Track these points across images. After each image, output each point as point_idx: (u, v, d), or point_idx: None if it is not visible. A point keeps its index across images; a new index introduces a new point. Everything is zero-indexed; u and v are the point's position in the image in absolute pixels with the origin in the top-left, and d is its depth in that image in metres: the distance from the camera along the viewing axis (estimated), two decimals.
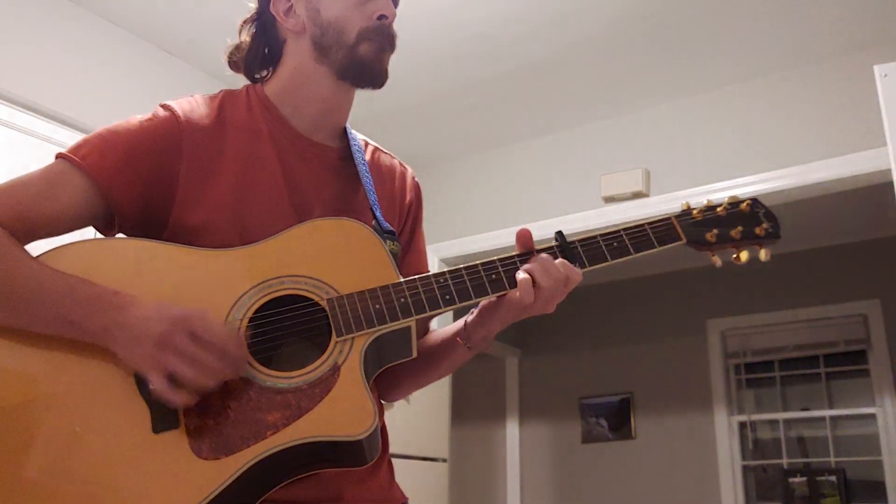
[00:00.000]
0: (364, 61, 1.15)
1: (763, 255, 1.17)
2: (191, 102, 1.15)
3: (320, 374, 0.96)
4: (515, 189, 4.02)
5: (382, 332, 1.01)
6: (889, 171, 2.56)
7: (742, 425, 5.16)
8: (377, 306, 1.01)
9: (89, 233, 1.08)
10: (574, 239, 1.10)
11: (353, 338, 0.99)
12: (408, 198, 1.27)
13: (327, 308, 1.00)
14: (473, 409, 5.73)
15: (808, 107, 3.41)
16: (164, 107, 1.12)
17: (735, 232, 1.15)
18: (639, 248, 1.11)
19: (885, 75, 2.46)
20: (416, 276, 1.05)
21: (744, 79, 3.58)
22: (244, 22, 1.26)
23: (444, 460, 3.86)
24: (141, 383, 0.93)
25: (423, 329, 1.23)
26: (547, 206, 3.86)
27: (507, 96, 3.76)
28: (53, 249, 0.99)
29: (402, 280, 1.05)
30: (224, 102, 1.16)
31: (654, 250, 1.12)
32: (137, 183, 1.04)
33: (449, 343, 1.17)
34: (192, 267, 1.01)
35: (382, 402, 1.24)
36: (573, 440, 5.62)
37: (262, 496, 0.94)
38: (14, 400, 0.91)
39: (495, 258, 1.08)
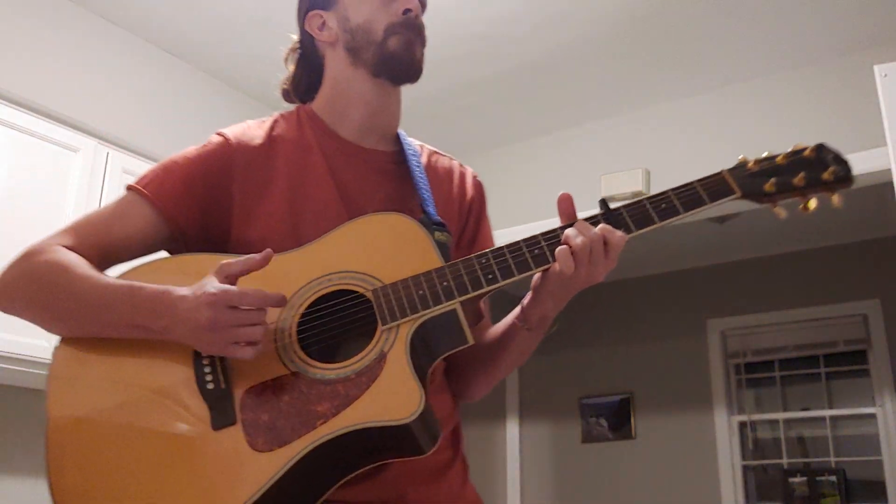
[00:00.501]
0: (394, 55, 1.18)
1: (835, 200, 1.05)
2: (242, 127, 1.22)
3: (367, 363, 0.98)
4: (515, 189, 4.02)
5: (427, 318, 1.01)
6: (889, 171, 2.56)
7: (742, 425, 5.16)
8: (420, 292, 1.02)
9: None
10: (619, 205, 1.07)
11: (398, 325, 1.01)
12: (469, 195, 1.28)
13: (372, 298, 1.03)
14: (473, 409, 5.73)
15: (808, 107, 3.41)
16: (217, 133, 1.19)
17: (798, 179, 1.05)
18: (689, 207, 1.05)
19: (885, 75, 2.46)
20: (459, 259, 1.05)
21: (744, 79, 3.58)
22: (288, 51, 1.32)
23: None
24: (200, 382, 0.99)
25: (476, 316, 1.23)
26: (547, 206, 3.84)
27: (507, 96, 3.76)
28: (130, 269, 1.10)
29: (445, 265, 1.05)
30: (275, 124, 1.23)
31: (706, 207, 1.05)
32: (195, 206, 1.13)
33: (510, 328, 1.17)
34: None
35: (464, 401, 1.25)
36: (573, 440, 5.62)
37: (323, 493, 0.96)
38: (89, 408, 0.99)
39: (538, 233, 1.06)
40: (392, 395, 0.95)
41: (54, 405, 1.00)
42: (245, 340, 0.95)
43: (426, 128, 4.05)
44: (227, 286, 0.96)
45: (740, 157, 1.09)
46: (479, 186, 1.32)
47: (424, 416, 0.95)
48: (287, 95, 1.33)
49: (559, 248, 1.02)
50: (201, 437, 0.96)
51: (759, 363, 5.30)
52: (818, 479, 4.83)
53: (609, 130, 3.91)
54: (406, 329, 1.00)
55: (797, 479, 4.90)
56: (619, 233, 1.03)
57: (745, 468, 5.06)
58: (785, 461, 5.02)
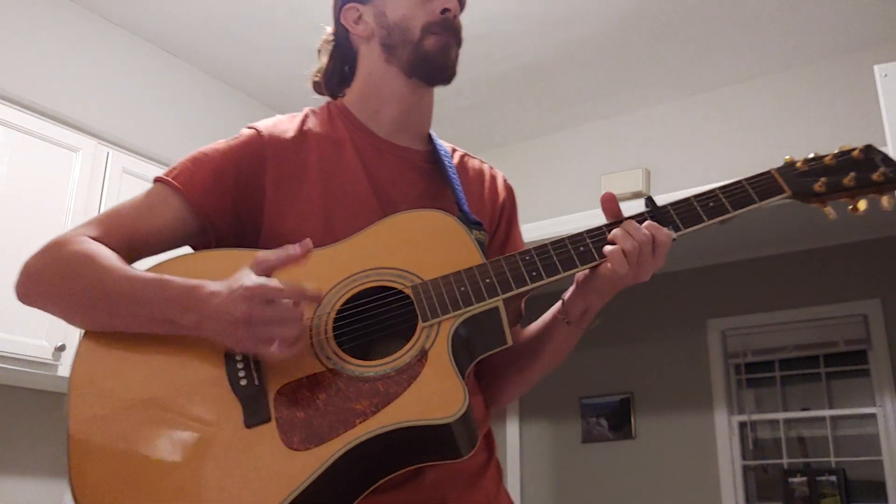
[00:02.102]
0: (430, 55, 1.16)
1: (885, 202, 1.03)
2: (273, 120, 1.19)
3: (408, 360, 0.95)
4: (515, 189, 4.02)
5: (470, 314, 0.98)
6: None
7: (742, 425, 5.16)
8: (462, 288, 1.00)
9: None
10: (666, 203, 1.05)
11: (439, 322, 0.98)
12: (500, 198, 1.27)
13: (412, 295, 1.00)
14: None
15: (808, 107, 3.41)
16: (248, 126, 1.17)
17: (848, 179, 1.03)
18: (738, 205, 1.03)
19: (885, 75, 2.46)
20: (502, 256, 1.03)
21: (744, 79, 3.58)
22: (322, 43, 1.29)
23: None
24: (232, 378, 0.95)
25: (516, 315, 1.21)
26: (547, 206, 3.86)
27: (507, 96, 3.77)
28: (158, 263, 1.05)
29: (487, 261, 1.03)
30: (306, 118, 1.21)
31: (755, 206, 1.03)
32: (226, 198, 1.10)
33: (549, 323, 1.15)
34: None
35: (495, 408, 1.23)
36: (573, 440, 5.62)
37: (361, 493, 0.93)
38: (116, 405, 0.95)
39: (583, 230, 1.04)
40: (435, 393, 0.92)
41: (75, 402, 0.96)
42: (280, 338, 0.92)
43: None
44: (265, 280, 0.93)
45: (787, 158, 1.08)
46: (510, 190, 1.32)
47: (467, 416, 0.92)
48: (318, 87, 1.30)
49: (611, 248, 1.01)
50: (233, 436, 0.92)
51: (759, 363, 5.30)
52: (818, 479, 4.83)
53: (609, 130, 3.91)
54: (448, 326, 0.97)
55: (797, 479, 4.90)
56: (665, 230, 1.02)
57: (745, 468, 5.06)
58: (785, 461, 5.01)
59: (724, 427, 5.11)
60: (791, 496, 4.88)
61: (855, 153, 1.05)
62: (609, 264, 1.00)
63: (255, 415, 0.93)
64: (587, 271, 1.05)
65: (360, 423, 0.91)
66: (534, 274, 1.01)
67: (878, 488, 4.64)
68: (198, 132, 3.33)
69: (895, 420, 4.66)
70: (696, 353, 5.35)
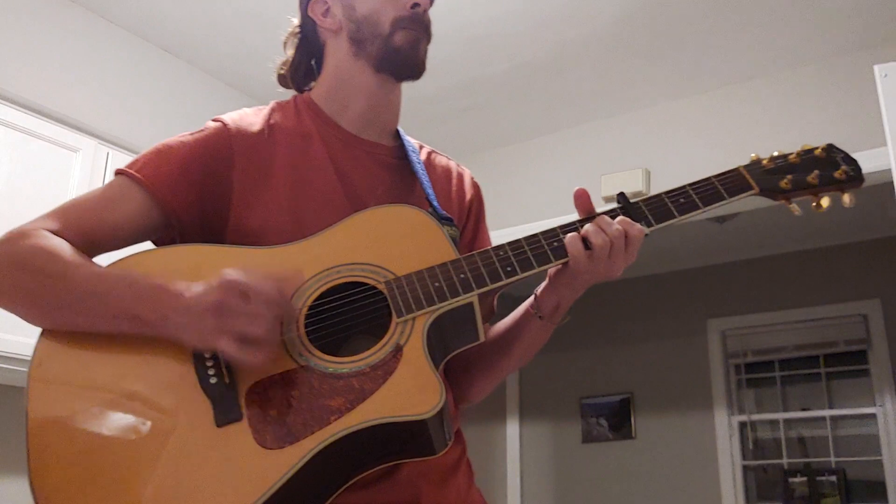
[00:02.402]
0: (399, 51, 1.15)
1: (847, 199, 1.06)
2: (240, 113, 1.18)
3: (382, 356, 0.94)
4: (515, 189, 4.02)
5: (444, 310, 0.98)
6: (889, 171, 2.56)
7: (742, 425, 5.16)
8: (436, 284, 0.99)
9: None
10: (638, 200, 1.06)
11: (413, 317, 0.97)
12: (468, 196, 1.26)
13: (385, 290, 0.99)
14: (473, 409, 5.71)
15: (809, 107, 3.41)
16: (214, 119, 1.15)
17: (812, 177, 1.07)
18: (708, 202, 1.05)
19: (885, 75, 2.46)
20: (475, 252, 1.03)
21: (744, 79, 3.58)
22: (288, 36, 1.28)
23: None
24: (201, 377, 0.93)
25: (489, 311, 1.19)
26: (547, 206, 3.85)
27: (507, 96, 3.76)
28: (118, 260, 1.02)
29: (461, 257, 1.02)
30: (272, 111, 1.19)
31: (725, 202, 1.06)
32: (192, 191, 1.07)
33: (521, 318, 1.14)
34: (249, 265, 1.01)
35: (465, 405, 1.22)
36: (573, 440, 5.62)
37: (335, 491, 0.92)
38: (77, 405, 0.93)
39: (556, 226, 1.04)
40: (411, 389, 0.91)
41: (36, 403, 0.93)
42: (244, 334, 0.89)
43: (426, 128, 4.05)
44: (245, 276, 0.91)
45: (753, 155, 1.10)
46: (477, 188, 1.30)
47: (443, 411, 0.91)
48: (283, 81, 1.28)
49: (568, 237, 1.01)
50: (204, 436, 0.90)
51: (759, 363, 5.30)
52: (818, 479, 4.83)
53: (609, 130, 3.91)
54: (422, 322, 0.97)
55: (797, 479, 4.90)
56: (638, 226, 1.02)
57: (745, 468, 5.06)
58: (785, 461, 5.02)
59: (724, 427, 5.11)
60: (791, 496, 4.88)
61: (817, 151, 1.09)
62: (572, 257, 1.01)
63: (226, 413, 0.91)
64: (560, 267, 1.05)
65: (336, 420, 0.89)
66: (508, 269, 1.01)
67: (878, 488, 4.64)
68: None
69: (895, 420, 4.66)
70: (696, 353, 5.35)
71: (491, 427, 5.79)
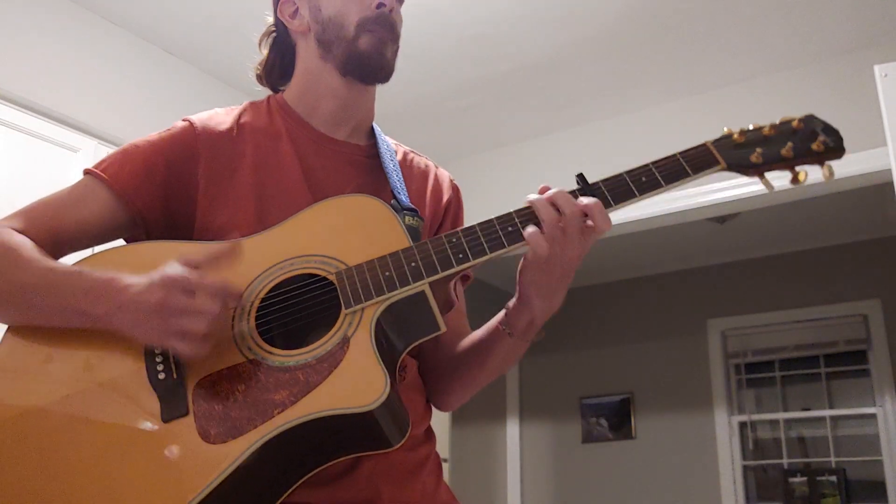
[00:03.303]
0: (363, 54, 1.13)
1: (826, 173, 0.99)
2: (210, 113, 1.18)
3: (329, 349, 0.93)
4: (515, 189, 4.02)
5: (394, 300, 0.95)
6: (889, 171, 2.56)
7: (742, 425, 5.16)
8: (386, 273, 0.96)
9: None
10: (598, 180, 1.01)
11: (362, 308, 0.95)
12: (445, 197, 1.24)
13: (335, 281, 0.98)
14: (474, 409, 5.73)
15: (808, 107, 3.38)
16: (183, 119, 1.15)
17: (786, 150, 0.99)
18: (671, 179, 1.00)
19: (885, 75, 2.46)
20: (428, 240, 1.00)
21: (744, 79, 3.58)
22: (262, 36, 1.27)
23: (445, 460, 3.86)
24: (151, 372, 0.93)
25: (447, 304, 1.17)
26: None
27: (507, 96, 3.76)
28: (82, 259, 1.04)
29: (413, 245, 0.99)
30: (244, 111, 1.19)
31: (689, 179, 1.00)
32: (155, 190, 1.07)
33: (493, 334, 1.10)
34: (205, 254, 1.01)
35: (444, 410, 1.20)
36: (573, 440, 5.62)
37: (289, 487, 0.91)
38: (32, 402, 0.94)
39: (512, 210, 1.00)
40: (355, 381, 0.89)
41: None
42: (189, 331, 0.89)
43: (426, 128, 4.05)
44: (187, 271, 0.90)
45: (725, 129, 1.03)
46: (456, 189, 1.29)
47: (390, 403, 0.89)
48: (260, 80, 1.28)
49: (528, 227, 0.97)
50: (151, 430, 0.90)
51: (759, 363, 5.30)
52: (818, 479, 4.83)
53: (609, 130, 3.92)
54: (371, 312, 0.94)
55: (797, 479, 4.90)
56: (599, 203, 0.96)
57: (745, 468, 5.07)
58: (785, 461, 5.02)
59: (724, 427, 5.12)
60: (791, 496, 4.88)
61: (794, 123, 1.03)
62: (528, 244, 0.96)
63: (172, 408, 0.91)
64: (521, 266, 1.02)
65: (279, 413, 0.88)
66: (460, 256, 0.97)
67: (878, 488, 4.64)
68: None
69: (895, 420, 4.66)
70: (696, 353, 5.35)
71: (491, 427, 5.79)
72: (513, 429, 5.75)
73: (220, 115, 1.17)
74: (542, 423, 5.75)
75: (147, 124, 3.27)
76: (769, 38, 3.30)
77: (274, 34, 1.26)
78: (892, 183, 2.58)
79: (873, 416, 4.79)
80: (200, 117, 1.15)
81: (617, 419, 5.50)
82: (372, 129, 1.24)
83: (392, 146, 1.24)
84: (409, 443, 1.03)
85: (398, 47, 1.17)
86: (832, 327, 5.06)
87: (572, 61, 3.48)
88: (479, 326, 1.16)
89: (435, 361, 1.17)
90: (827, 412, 4.99)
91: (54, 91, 2.96)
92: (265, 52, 1.27)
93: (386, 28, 1.14)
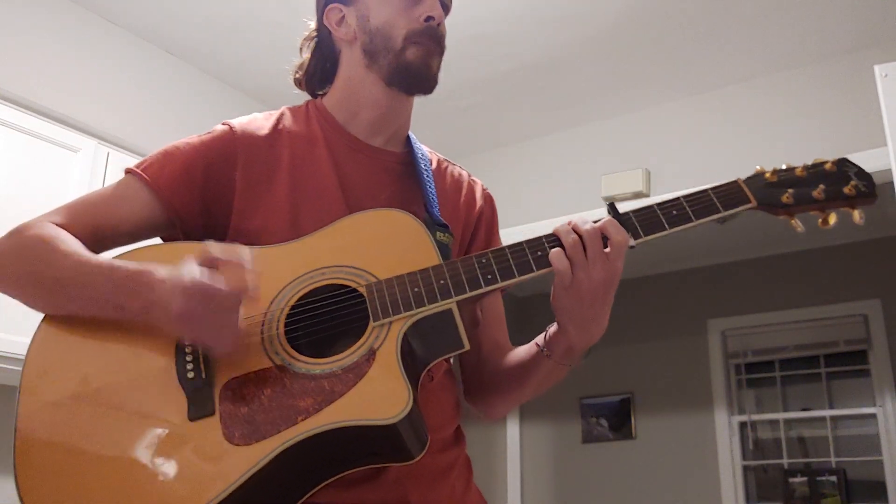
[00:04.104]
0: (411, 66, 1.15)
1: (857, 216, 1.01)
2: (249, 117, 1.19)
3: (355, 359, 0.94)
4: (515, 189, 4.02)
5: (421, 316, 0.97)
6: (889, 171, 2.56)
7: (742, 425, 5.16)
8: (415, 289, 0.98)
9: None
10: (628, 211, 1.02)
11: (390, 322, 0.97)
12: (478, 206, 1.26)
13: (365, 293, 0.99)
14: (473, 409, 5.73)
15: (809, 107, 3.41)
16: (223, 123, 1.17)
17: (818, 192, 1.00)
18: (701, 214, 1.01)
19: (885, 75, 2.46)
20: (458, 259, 1.02)
21: (744, 79, 3.58)
22: (304, 40, 1.28)
23: None
24: (180, 371, 0.95)
25: (473, 322, 1.19)
26: (547, 206, 3.86)
27: (507, 96, 3.76)
28: (119, 255, 1.06)
29: (443, 262, 1.01)
30: (282, 116, 1.21)
31: (719, 216, 1.01)
32: (194, 193, 1.10)
33: (533, 355, 1.12)
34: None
35: (487, 419, 1.23)
36: (573, 440, 5.62)
37: (304, 494, 0.92)
38: (63, 391, 0.96)
39: (542, 235, 1.02)
40: (379, 393, 0.91)
41: (27, 388, 0.97)
42: (227, 327, 0.92)
43: (426, 128, 4.04)
44: (204, 280, 0.91)
45: (757, 167, 1.05)
46: (489, 198, 1.30)
47: (411, 418, 0.90)
48: (298, 84, 1.29)
49: (552, 250, 0.99)
50: (177, 428, 0.92)
51: (759, 363, 5.30)
52: (818, 479, 4.83)
53: (609, 130, 3.91)
54: (398, 327, 0.96)
55: (797, 479, 4.90)
56: (622, 230, 0.98)
57: (745, 468, 5.06)
58: (785, 461, 5.01)
59: (724, 427, 5.11)
60: (791, 496, 4.88)
61: (827, 165, 1.03)
62: (553, 266, 0.98)
63: (199, 408, 0.93)
64: (552, 292, 1.02)
65: (302, 420, 0.90)
66: (489, 277, 0.99)
67: (878, 488, 4.64)
68: (197, 132, 3.32)
69: (895, 420, 4.66)
70: (696, 353, 5.35)
71: (491, 427, 5.79)
72: (513, 429, 5.75)
73: (258, 120, 1.19)
74: (542, 423, 5.75)
75: (147, 124, 3.27)
76: (769, 38, 3.30)
77: (316, 39, 1.26)
78: (892, 183, 2.57)
79: (873, 416, 4.79)
80: (240, 121, 1.17)
81: (617, 419, 5.50)
82: (408, 137, 1.26)
83: (427, 154, 1.25)
84: (438, 445, 1.07)
85: (442, 59, 1.19)
86: (832, 327, 5.05)
87: (572, 61, 3.48)
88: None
89: (480, 375, 1.19)
90: (827, 412, 4.99)
91: (54, 91, 2.96)
92: (306, 56, 1.28)
93: (433, 41, 1.16)
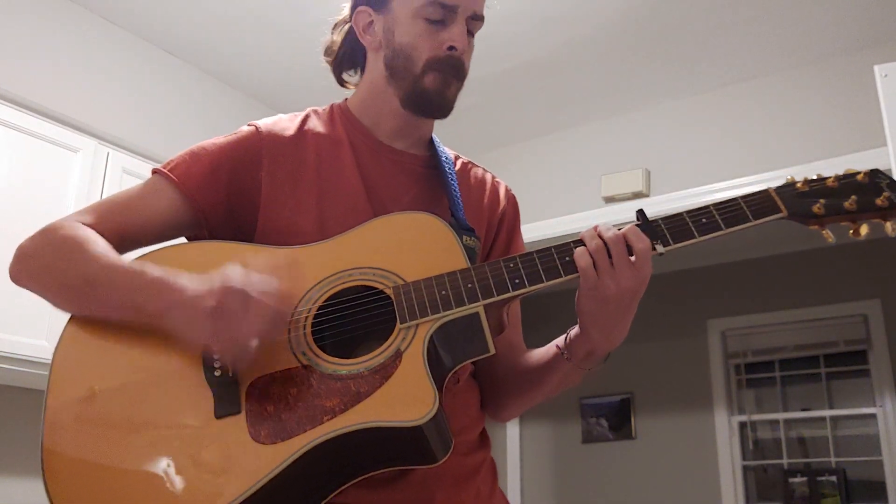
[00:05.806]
0: (426, 93, 1.15)
1: (889, 228, 1.01)
2: (275, 119, 1.20)
3: (382, 361, 0.95)
4: (515, 189, 4.01)
5: (448, 319, 0.97)
6: (889, 171, 2.56)
7: (742, 425, 5.16)
8: (443, 292, 0.99)
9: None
10: (658, 218, 1.01)
11: (416, 324, 0.97)
12: (500, 207, 1.26)
13: (392, 295, 1.00)
14: None
15: (809, 107, 3.41)
16: (249, 123, 1.18)
17: (849, 203, 1.01)
18: (731, 223, 1.02)
19: (885, 75, 2.46)
20: (486, 262, 1.02)
21: (744, 79, 3.58)
22: (337, 23, 1.28)
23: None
24: (207, 369, 0.96)
25: (499, 326, 1.18)
26: (547, 206, 3.85)
27: (507, 96, 3.76)
28: (144, 254, 1.08)
29: (471, 266, 1.02)
30: (307, 118, 1.21)
31: (749, 224, 1.02)
32: (221, 193, 1.11)
33: (553, 356, 1.12)
34: (265, 262, 1.03)
35: (496, 420, 1.22)
36: (573, 440, 5.62)
37: (328, 493, 0.93)
38: (90, 388, 0.97)
39: (570, 241, 1.01)
40: (405, 395, 0.92)
41: (56, 385, 0.98)
42: (240, 342, 0.91)
43: None
44: (245, 283, 0.92)
45: (788, 177, 1.04)
46: (512, 199, 1.31)
47: (437, 420, 0.90)
48: (327, 52, 1.28)
49: (577, 249, 0.99)
50: (203, 426, 0.93)
51: (759, 363, 5.30)
52: (818, 479, 4.83)
53: (609, 130, 3.92)
54: (425, 329, 0.97)
55: (797, 479, 4.90)
56: (643, 236, 0.98)
57: (745, 468, 5.06)
58: (785, 461, 5.02)
59: (724, 427, 5.12)
60: (791, 496, 4.88)
61: (859, 176, 1.02)
62: (581, 270, 0.97)
63: (226, 406, 0.94)
64: (577, 296, 1.03)
65: (328, 420, 0.90)
66: (516, 282, 0.99)
67: (878, 488, 4.64)
68: (198, 132, 3.33)
69: (895, 420, 4.66)
70: (696, 353, 5.35)
71: (491, 427, 5.76)
72: (513, 429, 5.75)
73: (284, 121, 1.19)
74: (542, 424, 5.75)
75: (147, 124, 3.27)
76: (769, 38, 3.30)
77: (348, 27, 1.25)
78: None
79: (873, 416, 4.79)
80: (266, 122, 1.18)
81: (617, 419, 5.50)
82: (431, 139, 1.26)
83: (451, 156, 1.26)
84: (464, 448, 1.07)
85: (462, 84, 1.19)
86: (832, 327, 5.05)
87: (572, 61, 3.48)
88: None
89: (493, 375, 1.19)
90: (827, 412, 4.99)
91: (54, 91, 2.96)
92: (337, 38, 1.27)
93: (453, 71, 1.16)
